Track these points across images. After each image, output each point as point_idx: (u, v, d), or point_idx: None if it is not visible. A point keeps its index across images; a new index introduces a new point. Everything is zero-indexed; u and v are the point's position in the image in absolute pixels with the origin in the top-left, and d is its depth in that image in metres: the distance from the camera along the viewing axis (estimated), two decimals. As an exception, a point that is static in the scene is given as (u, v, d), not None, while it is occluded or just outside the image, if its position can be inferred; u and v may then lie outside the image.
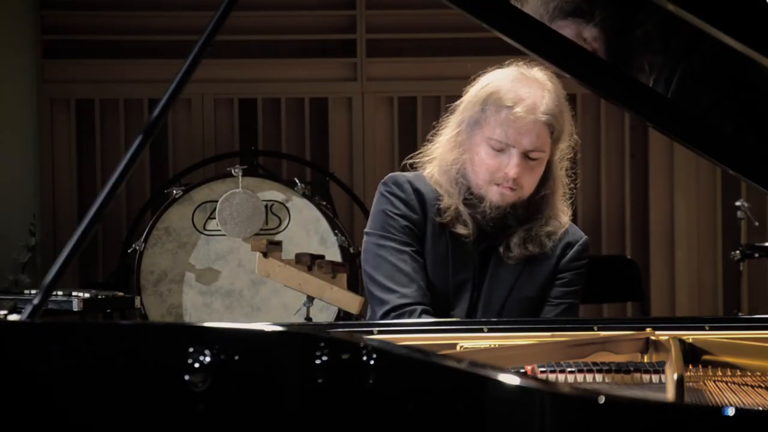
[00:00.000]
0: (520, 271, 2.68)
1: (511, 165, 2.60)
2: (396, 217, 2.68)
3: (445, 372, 1.60)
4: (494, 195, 2.64)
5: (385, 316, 2.62)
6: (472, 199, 2.66)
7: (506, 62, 2.73)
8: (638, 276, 5.45)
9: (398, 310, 2.60)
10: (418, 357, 1.63)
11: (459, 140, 2.68)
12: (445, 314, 2.65)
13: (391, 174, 2.74)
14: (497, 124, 2.60)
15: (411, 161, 2.80)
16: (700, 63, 2.23)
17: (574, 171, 2.79)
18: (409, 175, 2.74)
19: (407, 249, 2.65)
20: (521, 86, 2.63)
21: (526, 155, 2.61)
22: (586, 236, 2.78)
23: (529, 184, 2.66)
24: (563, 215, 2.72)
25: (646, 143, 6.30)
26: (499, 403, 1.55)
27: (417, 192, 2.69)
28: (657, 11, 2.13)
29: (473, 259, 2.68)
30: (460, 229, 2.66)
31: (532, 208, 2.68)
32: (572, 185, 2.79)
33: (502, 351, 2.16)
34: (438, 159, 2.72)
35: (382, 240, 2.67)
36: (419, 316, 2.58)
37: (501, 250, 2.68)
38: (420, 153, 2.78)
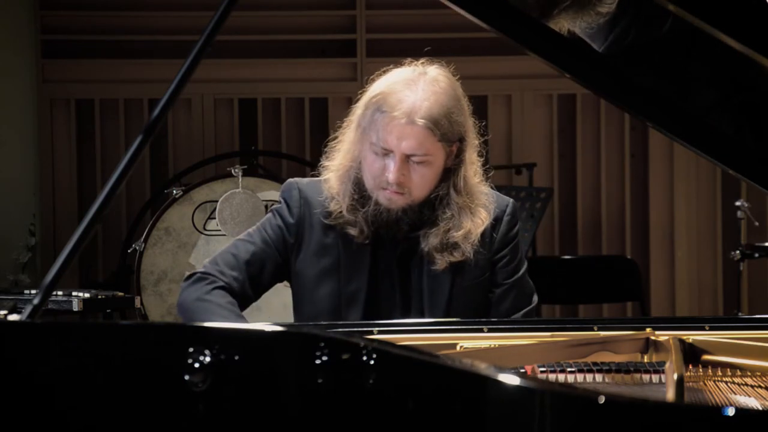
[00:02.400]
0: (455, 263, 2.63)
1: (391, 170, 2.56)
2: (276, 218, 2.69)
3: (445, 372, 1.60)
4: (383, 199, 2.60)
5: (189, 277, 2.68)
6: (355, 204, 2.63)
7: (405, 61, 2.69)
8: (638, 276, 5.46)
9: (203, 275, 2.66)
10: (418, 357, 1.63)
11: (350, 146, 2.66)
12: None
13: (289, 180, 2.75)
14: (376, 129, 2.57)
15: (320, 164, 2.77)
16: (700, 63, 2.23)
17: (485, 167, 2.73)
18: (304, 180, 2.74)
19: (260, 245, 2.67)
20: (407, 89, 2.59)
21: (408, 159, 2.57)
22: (510, 202, 2.72)
23: (419, 187, 2.60)
24: (480, 212, 2.65)
25: (646, 143, 6.30)
26: (499, 403, 1.55)
27: (304, 199, 2.69)
28: (657, 12, 2.13)
29: (368, 266, 2.64)
30: (351, 231, 2.63)
31: (427, 210, 2.64)
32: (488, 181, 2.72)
33: (502, 351, 2.16)
34: (335, 163, 2.70)
35: (254, 228, 2.71)
36: (212, 290, 2.61)
37: (424, 257, 2.63)
38: (325, 155, 2.75)
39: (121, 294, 4.77)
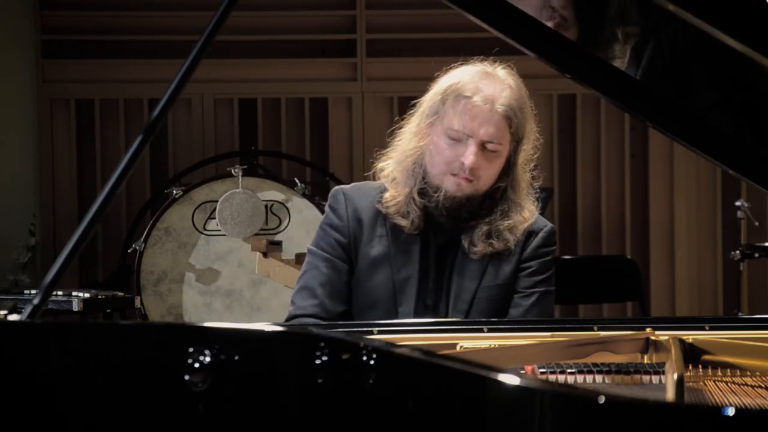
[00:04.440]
0: (488, 262, 2.69)
1: (468, 154, 2.61)
2: (325, 227, 2.74)
3: (445, 372, 1.60)
4: (450, 185, 2.64)
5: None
6: (426, 188, 2.66)
7: (471, 60, 2.74)
8: (638, 276, 5.45)
9: (287, 320, 2.71)
10: (418, 357, 1.63)
11: (419, 131, 2.70)
12: (393, 311, 2.66)
13: (335, 187, 2.80)
14: (456, 113, 2.62)
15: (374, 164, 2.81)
16: (700, 63, 2.23)
17: (535, 172, 2.78)
18: (347, 185, 2.80)
19: (322, 264, 2.70)
20: (482, 80, 2.66)
21: (483, 146, 2.62)
22: (551, 225, 2.79)
23: (487, 177, 2.66)
24: (525, 211, 2.72)
25: (646, 143, 6.30)
26: (499, 403, 1.55)
27: (350, 201, 2.73)
28: (657, 13, 2.13)
29: (421, 254, 2.68)
30: (400, 221, 2.68)
31: (487, 202, 2.69)
32: (537, 188, 2.79)
33: (502, 351, 2.16)
34: (396, 153, 2.74)
35: (309, 255, 2.75)
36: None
37: (465, 244, 2.68)
38: (380, 153, 2.79)
39: (121, 294, 4.77)
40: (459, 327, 2.32)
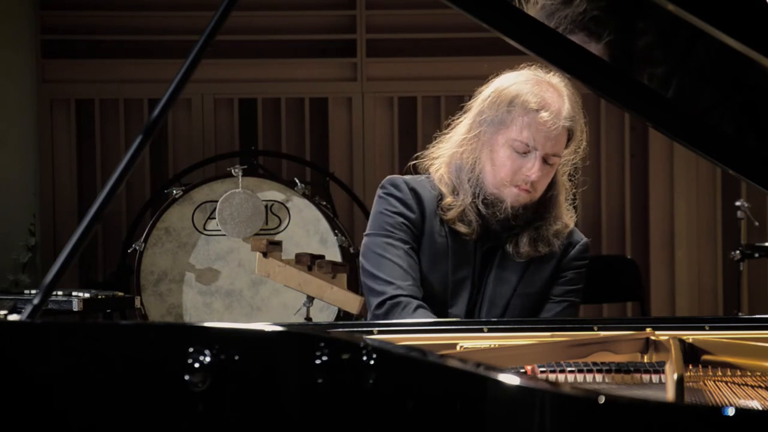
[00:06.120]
0: (525, 270, 2.73)
1: (534, 169, 2.64)
2: (393, 215, 2.72)
3: (445, 372, 1.60)
4: (510, 195, 2.67)
5: (380, 306, 2.65)
6: (488, 198, 2.68)
7: (521, 66, 2.75)
8: (638, 276, 5.45)
9: (394, 299, 2.64)
10: (418, 357, 1.63)
11: (480, 140, 2.70)
12: (444, 310, 2.67)
13: (388, 177, 2.79)
14: (524, 126, 2.64)
15: (416, 161, 2.82)
16: (700, 63, 2.23)
17: (577, 177, 2.83)
18: (406, 177, 2.78)
19: (403, 246, 2.70)
20: (545, 91, 2.67)
21: (545, 159, 2.65)
22: (587, 239, 2.83)
23: (542, 187, 2.71)
24: (566, 217, 2.77)
25: (646, 143, 6.30)
26: (499, 403, 1.55)
27: (414, 191, 2.73)
28: (657, 14, 2.13)
29: (473, 257, 2.70)
30: (461, 228, 2.69)
31: (540, 209, 2.73)
32: (575, 191, 2.83)
33: (502, 351, 2.16)
34: (449, 157, 2.74)
35: (379, 238, 2.71)
36: (415, 310, 2.61)
37: (509, 248, 2.71)
38: (426, 152, 2.80)
39: (121, 294, 4.77)
40: (459, 327, 2.32)
